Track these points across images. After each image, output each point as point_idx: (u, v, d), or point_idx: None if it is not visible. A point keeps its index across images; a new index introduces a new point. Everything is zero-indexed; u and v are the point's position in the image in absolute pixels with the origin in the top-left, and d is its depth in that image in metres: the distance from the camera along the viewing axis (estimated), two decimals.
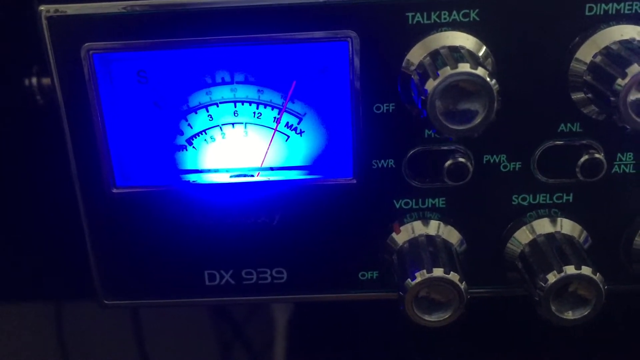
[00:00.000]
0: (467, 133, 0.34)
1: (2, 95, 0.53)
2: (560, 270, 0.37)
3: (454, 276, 0.38)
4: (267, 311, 0.63)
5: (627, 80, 0.32)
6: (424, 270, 0.38)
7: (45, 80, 0.50)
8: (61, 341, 0.64)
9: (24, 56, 0.50)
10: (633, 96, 0.32)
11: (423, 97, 0.34)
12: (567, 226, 0.41)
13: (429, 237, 0.41)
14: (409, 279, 0.38)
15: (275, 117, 0.43)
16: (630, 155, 0.40)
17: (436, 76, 0.33)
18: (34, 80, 0.50)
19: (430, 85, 0.33)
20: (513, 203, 0.42)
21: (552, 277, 0.37)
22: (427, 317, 0.38)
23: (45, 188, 0.54)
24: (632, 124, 0.33)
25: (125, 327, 0.64)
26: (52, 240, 0.56)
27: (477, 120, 0.33)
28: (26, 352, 0.64)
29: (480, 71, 0.33)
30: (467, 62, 0.33)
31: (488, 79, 0.33)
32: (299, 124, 0.43)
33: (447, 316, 0.38)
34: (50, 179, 0.52)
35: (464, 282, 0.38)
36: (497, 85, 0.33)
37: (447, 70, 0.33)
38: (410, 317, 0.38)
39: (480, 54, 0.37)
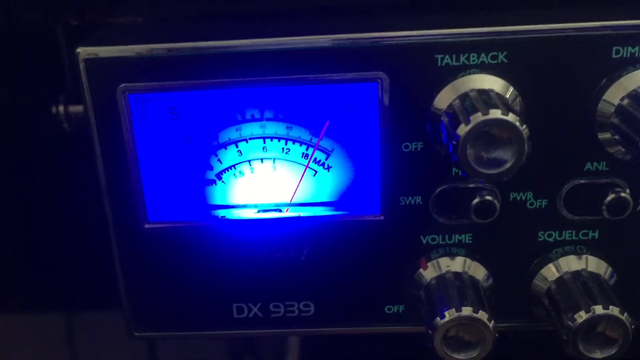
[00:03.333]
0: (498, 177, 0.34)
1: (30, 122, 0.54)
2: (588, 310, 0.37)
3: (482, 315, 0.38)
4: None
5: None
6: (453, 309, 0.38)
7: (73, 108, 0.51)
8: (73, 353, 0.65)
9: (51, 84, 0.51)
10: None
11: (454, 142, 0.34)
12: (593, 263, 0.42)
13: (456, 274, 0.41)
14: (438, 318, 0.38)
15: (303, 153, 0.44)
16: None
17: (468, 122, 0.34)
18: (61, 108, 0.51)
19: (462, 130, 0.34)
20: (539, 239, 0.42)
21: (580, 317, 0.37)
22: (456, 356, 0.38)
23: (71, 207, 0.55)
24: None
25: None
26: (68, 250, 0.57)
27: (508, 165, 0.34)
28: None
29: (511, 117, 0.33)
30: (498, 107, 0.34)
31: (519, 125, 0.33)
32: (327, 159, 0.44)
33: (475, 354, 0.38)
34: (77, 202, 0.53)
35: (492, 321, 0.38)
36: (527, 131, 0.34)
37: (478, 117, 0.34)
38: (440, 355, 0.38)
39: (509, 95, 0.38)
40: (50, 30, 0.49)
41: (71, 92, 0.51)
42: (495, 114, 0.34)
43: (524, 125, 0.34)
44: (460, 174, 0.41)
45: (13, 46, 0.49)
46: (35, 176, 0.55)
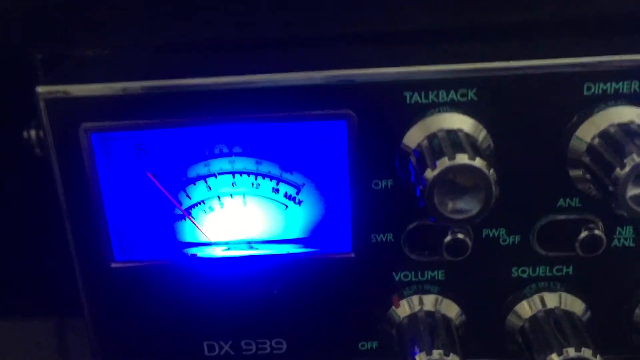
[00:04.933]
0: (465, 223, 0.34)
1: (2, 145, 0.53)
2: (560, 352, 0.37)
3: (453, 358, 0.37)
4: None
5: (626, 170, 0.32)
6: (424, 353, 0.37)
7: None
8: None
9: (23, 108, 0.50)
10: (632, 190, 0.32)
11: (421, 187, 0.33)
12: (566, 300, 0.41)
13: (427, 313, 0.41)
14: None
15: (273, 188, 0.43)
16: (629, 229, 0.40)
17: (434, 166, 0.33)
18: (33, 133, 0.50)
19: (429, 174, 0.33)
20: (512, 275, 0.42)
21: (554, 359, 0.37)
22: None
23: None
24: (630, 213, 0.33)
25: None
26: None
27: (475, 210, 0.33)
28: None
29: (478, 162, 0.33)
30: (464, 152, 0.33)
31: (486, 171, 0.33)
32: (297, 194, 0.43)
33: None
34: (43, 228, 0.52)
35: None
36: (494, 176, 0.33)
37: (444, 162, 0.33)
38: None
39: (478, 134, 0.37)
40: (21, 57, 0.48)
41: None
42: (462, 159, 0.33)
43: (491, 170, 0.33)
44: None
45: None
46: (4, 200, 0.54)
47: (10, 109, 0.51)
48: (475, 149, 0.34)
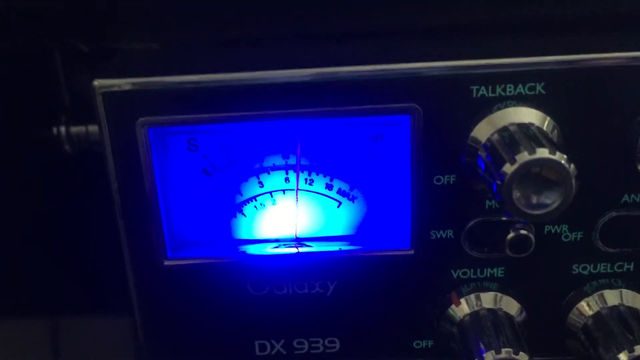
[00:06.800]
0: (544, 218, 0.33)
1: (31, 144, 0.52)
2: (631, 350, 0.36)
3: (522, 356, 0.37)
4: None
5: None
6: (493, 351, 0.37)
7: (75, 129, 0.49)
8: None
9: (52, 105, 0.49)
10: None
11: (498, 182, 0.33)
12: (629, 297, 0.41)
13: (490, 311, 0.40)
14: (477, 359, 0.37)
15: (327, 184, 0.42)
16: None
17: (513, 161, 0.32)
18: (63, 129, 0.49)
19: (508, 169, 0.32)
20: (573, 272, 0.41)
21: (622, 357, 0.36)
22: None
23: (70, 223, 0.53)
24: None
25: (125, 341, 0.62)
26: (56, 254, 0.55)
27: (554, 205, 0.33)
28: None
29: (558, 156, 0.32)
30: (544, 146, 0.32)
31: (567, 165, 0.32)
32: (351, 190, 0.42)
33: None
34: (77, 222, 0.52)
35: None
36: (575, 170, 0.32)
37: (524, 156, 0.32)
38: None
39: (547, 128, 0.37)
40: (52, 52, 0.47)
41: (72, 112, 0.49)
42: (543, 153, 0.32)
43: (572, 164, 0.32)
44: (493, 207, 0.39)
45: (14, 67, 0.48)
46: (36, 197, 0.53)
47: (37, 105, 0.50)
48: (552, 143, 0.33)
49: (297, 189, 0.42)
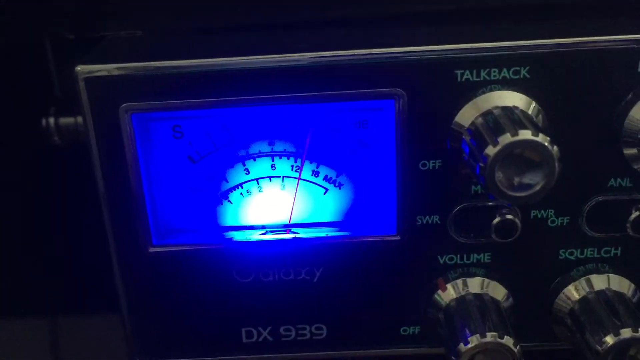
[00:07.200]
0: (526, 200, 0.33)
1: (19, 136, 0.52)
2: (617, 333, 0.36)
3: (508, 340, 0.37)
4: None
5: None
6: (477, 335, 0.37)
7: (64, 120, 0.49)
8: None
9: (41, 96, 0.49)
10: None
11: (481, 164, 0.33)
12: (615, 281, 0.40)
13: (476, 296, 0.40)
14: (462, 344, 0.37)
15: (313, 170, 0.42)
16: None
17: (495, 143, 0.32)
18: (52, 120, 0.49)
19: (490, 151, 0.32)
20: (560, 257, 0.41)
21: (608, 341, 0.36)
22: None
23: (59, 215, 0.53)
24: None
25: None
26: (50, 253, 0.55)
27: (537, 187, 0.33)
28: None
29: (541, 138, 0.32)
30: (527, 127, 0.32)
31: (549, 147, 0.32)
32: (337, 176, 0.42)
33: None
34: (65, 213, 0.51)
35: (518, 346, 0.37)
36: (558, 152, 0.32)
37: (507, 137, 0.32)
38: None
39: (532, 112, 0.36)
40: (40, 42, 0.47)
41: (61, 104, 0.49)
42: (525, 134, 0.32)
43: (555, 147, 0.32)
44: (479, 191, 0.39)
45: (2, 58, 0.47)
46: (25, 188, 0.53)
47: (26, 97, 0.50)
48: (535, 125, 0.33)
49: (299, 179, 0.42)
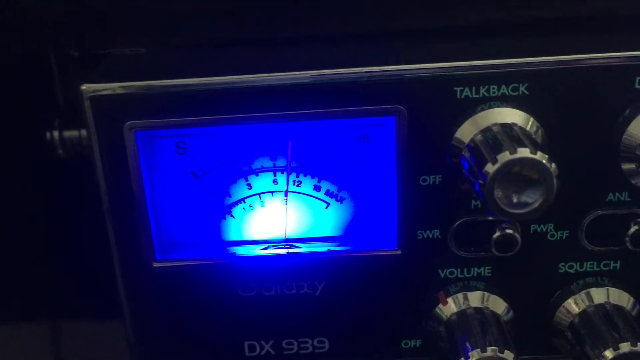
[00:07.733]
0: (525, 217, 0.33)
1: (24, 148, 0.52)
2: (616, 348, 0.37)
3: (508, 355, 0.37)
4: None
5: None
6: (478, 350, 0.37)
7: (68, 134, 0.50)
8: None
9: (45, 109, 0.49)
10: None
11: (481, 181, 0.33)
12: (615, 295, 0.41)
13: (477, 309, 0.40)
14: (463, 358, 0.37)
15: (315, 185, 0.42)
16: None
17: (494, 160, 0.33)
18: (56, 133, 0.50)
19: (489, 169, 0.33)
20: (560, 271, 0.41)
21: (608, 354, 0.37)
22: None
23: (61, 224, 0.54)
24: None
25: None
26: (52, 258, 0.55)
27: (536, 204, 0.33)
28: None
29: (539, 156, 0.32)
30: (525, 145, 0.33)
31: (548, 164, 0.32)
32: (339, 191, 0.42)
33: None
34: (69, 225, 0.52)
35: None
36: (556, 169, 0.33)
37: (506, 155, 0.33)
38: None
39: (530, 128, 0.37)
40: (45, 57, 0.47)
41: (66, 117, 0.49)
42: (524, 152, 0.32)
43: (553, 164, 0.33)
44: (479, 206, 0.40)
45: (7, 71, 0.48)
46: (29, 200, 0.54)
47: (30, 109, 0.51)
48: (534, 143, 0.34)
49: (287, 190, 0.42)
